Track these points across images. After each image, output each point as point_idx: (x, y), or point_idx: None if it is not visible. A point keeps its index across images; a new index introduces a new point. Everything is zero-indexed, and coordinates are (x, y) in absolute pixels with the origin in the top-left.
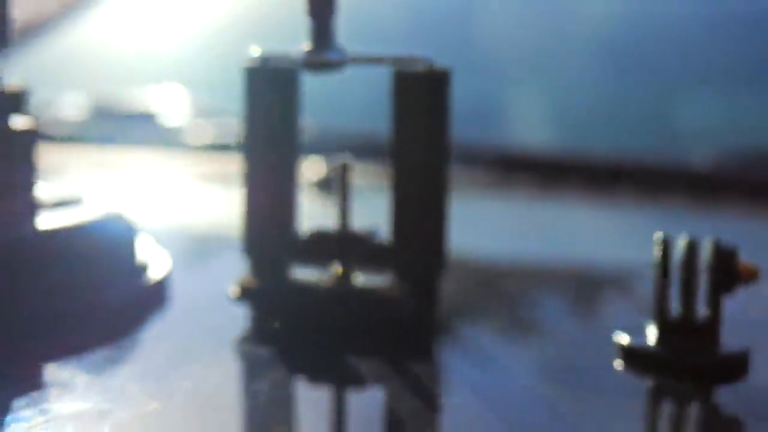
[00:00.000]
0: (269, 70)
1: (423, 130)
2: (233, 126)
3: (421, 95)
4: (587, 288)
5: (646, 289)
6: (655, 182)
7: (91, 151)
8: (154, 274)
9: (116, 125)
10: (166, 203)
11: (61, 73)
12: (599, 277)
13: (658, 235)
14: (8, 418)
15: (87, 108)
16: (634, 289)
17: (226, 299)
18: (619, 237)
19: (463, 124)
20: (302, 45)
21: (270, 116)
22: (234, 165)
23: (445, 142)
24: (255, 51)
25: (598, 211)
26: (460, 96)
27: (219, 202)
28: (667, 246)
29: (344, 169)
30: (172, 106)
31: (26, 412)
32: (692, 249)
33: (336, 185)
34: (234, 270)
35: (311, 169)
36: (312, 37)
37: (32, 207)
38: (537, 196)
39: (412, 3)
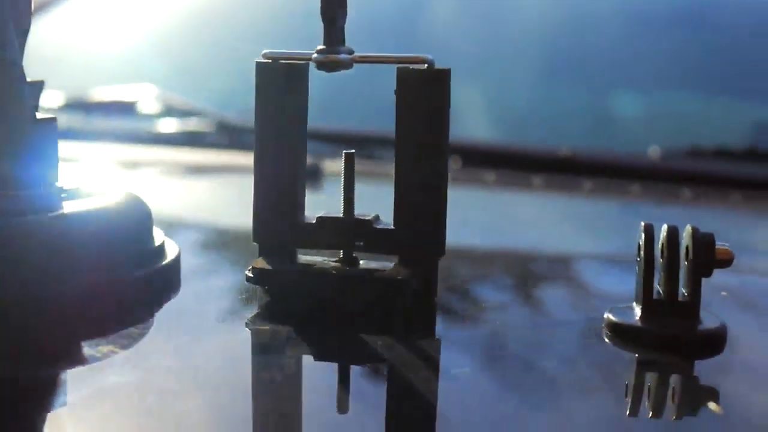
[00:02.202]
0: (281, 67)
1: (424, 124)
2: (203, 122)
3: (422, 92)
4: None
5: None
6: (608, 175)
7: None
8: (169, 253)
9: (87, 121)
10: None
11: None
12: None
13: (642, 224)
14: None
15: (59, 104)
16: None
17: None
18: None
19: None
20: (317, 46)
21: (280, 111)
22: (203, 157)
23: (445, 136)
24: (267, 50)
25: (556, 201)
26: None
27: (194, 191)
28: (649, 233)
29: (349, 160)
30: (143, 103)
31: (69, 386)
32: (672, 235)
33: (342, 174)
34: (226, 254)
35: None
36: (325, 39)
37: (59, 192)
38: (497, 188)
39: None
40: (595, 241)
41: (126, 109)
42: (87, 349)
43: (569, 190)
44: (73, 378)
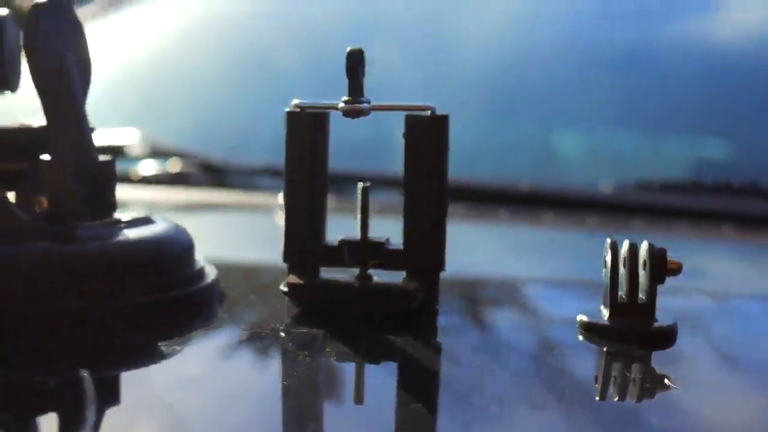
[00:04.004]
0: (308, 115)
1: (429, 162)
2: (185, 163)
3: (427, 134)
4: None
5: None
6: (567, 207)
7: None
8: (210, 274)
9: None
10: None
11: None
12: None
13: (608, 240)
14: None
15: None
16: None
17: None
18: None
19: (367, 157)
20: (342, 97)
21: (307, 152)
22: (188, 196)
23: (445, 171)
24: (296, 101)
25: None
26: (358, 132)
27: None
28: (614, 248)
29: (365, 192)
30: (129, 146)
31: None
32: (633, 250)
33: (358, 203)
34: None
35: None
36: (349, 91)
37: (118, 222)
38: (465, 220)
39: (295, 35)
40: (562, 264)
41: (112, 152)
42: (155, 349)
43: (532, 221)
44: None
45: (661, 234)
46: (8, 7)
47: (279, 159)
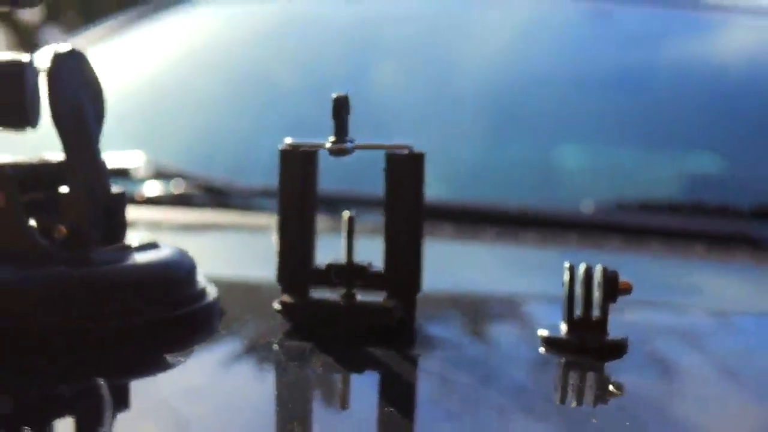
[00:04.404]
0: (299, 152)
1: (406, 194)
2: (188, 184)
3: (405, 170)
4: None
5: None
6: (550, 227)
7: None
8: (211, 293)
9: None
10: None
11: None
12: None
13: (566, 264)
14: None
15: None
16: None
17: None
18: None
19: (363, 177)
20: (328, 137)
21: (298, 185)
22: (189, 216)
23: (421, 203)
24: (288, 139)
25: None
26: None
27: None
28: (572, 271)
29: (350, 221)
30: (134, 168)
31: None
32: (588, 272)
33: (343, 231)
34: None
35: None
36: (335, 132)
37: (128, 248)
38: (451, 240)
39: (300, 60)
40: (537, 282)
41: (118, 174)
42: (162, 361)
43: (516, 240)
44: (153, 381)
45: (637, 252)
46: (9, 22)
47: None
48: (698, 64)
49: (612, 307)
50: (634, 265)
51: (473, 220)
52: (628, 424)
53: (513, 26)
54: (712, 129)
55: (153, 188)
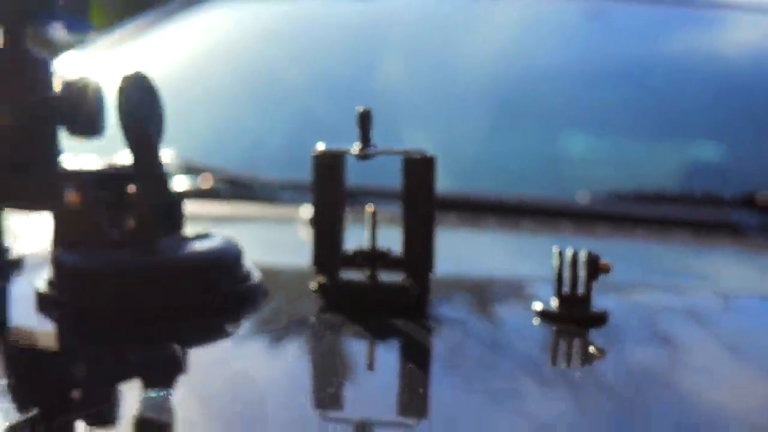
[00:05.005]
0: (330, 156)
1: (420, 192)
2: (215, 178)
3: (419, 172)
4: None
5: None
6: (547, 216)
7: None
8: (256, 275)
9: None
10: None
11: None
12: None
13: (555, 248)
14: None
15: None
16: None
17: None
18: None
19: (372, 170)
20: (354, 143)
21: (329, 183)
22: (217, 209)
23: (433, 198)
24: (320, 145)
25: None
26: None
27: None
28: (561, 254)
29: (373, 215)
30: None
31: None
32: (575, 255)
33: (367, 222)
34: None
35: (306, 211)
36: (360, 139)
37: (185, 238)
38: (458, 228)
39: (307, 55)
40: (536, 264)
41: None
42: (220, 332)
43: (515, 228)
44: (214, 348)
45: (627, 239)
46: (40, 42)
47: (292, 172)
48: (694, 58)
49: (601, 283)
50: (624, 251)
51: (476, 209)
52: (610, 378)
53: (513, 21)
54: (705, 122)
55: (182, 183)
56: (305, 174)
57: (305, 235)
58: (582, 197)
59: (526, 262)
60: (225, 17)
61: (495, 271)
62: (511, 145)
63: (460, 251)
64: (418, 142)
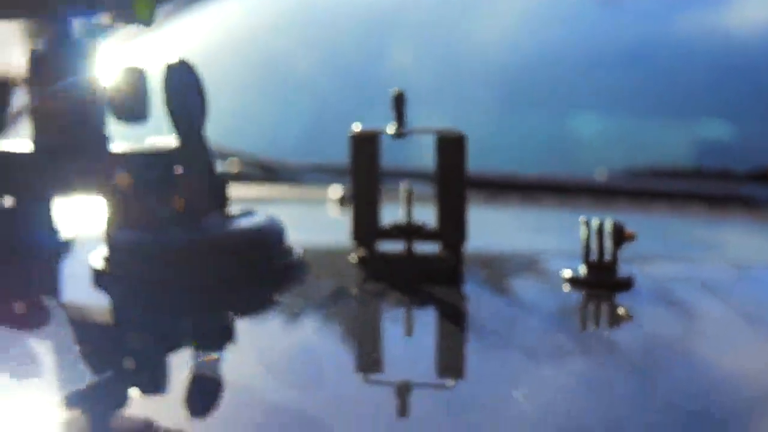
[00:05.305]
0: (366, 136)
1: (452, 168)
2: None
3: (451, 149)
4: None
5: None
6: (567, 192)
7: None
8: (298, 250)
9: None
10: None
11: None
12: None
13: (582, 218)
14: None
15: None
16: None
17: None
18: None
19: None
20: (389, 124)
21: (366, 163)
22: (246, 191)
23: (464, 174)
24: (356, 126)
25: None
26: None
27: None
28: (588, 224)
29: (408, 192)
30: None
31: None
32: (601, 225)
33: (402, 198)
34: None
35: (334, 192)
36: (395, 119)
37: (231, 215)
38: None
39: (317, 41)
40: (558, 238)
41: None
42: (269, 301)
43: (538, 204)
44: (266, 314)
45: (644, 213)
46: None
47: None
48: (705, 36)
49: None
50: (642, 224)
51: (498, 187)
52: (635, 338)
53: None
54: (718, 100)
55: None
56: (320, 157)
57: (335, 214)
58: (600, 174)
59: (549, 236)
60: (243, 5)
61: (520, 244)
62: (530, 125)
63: (486, 227)
64: (435, 123)
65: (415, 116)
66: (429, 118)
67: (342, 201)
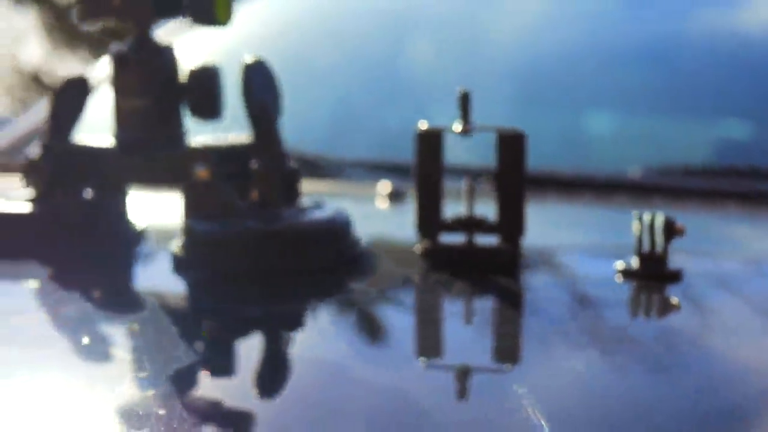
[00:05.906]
0: (432, 133)
1: (512, 164)
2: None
3: (511, 146)
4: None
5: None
6: (600, 189)
7: None
8: (362, 242)
9: None
10: None
11: None
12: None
13: (635, 213)
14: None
15: None
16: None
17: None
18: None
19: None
20: (455, 122)
21: (431, 158)
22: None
23: (524, 169)
24: (423, 123)
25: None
26: (394, 123)
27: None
28: (640, 219)
29: (471, 187)
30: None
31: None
32: (653, 218)
33: (465, 193)
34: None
35: (384, 186)
36: (461, 117)
37: (303, 208)
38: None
39: (338, 38)
40: (599, 235)
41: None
42: (343, 287)
43: (575, 201)
44: (340, 298)
45: (677, 210)
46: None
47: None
48: (724, 35)
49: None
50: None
51: (535, 184)
52: (686, 324)
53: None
54: (736, 99)
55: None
56: (343, 152)
57: (386, 208)
58: (633, 172)
59: (591, 231)
60: (273, 4)
61: (566, 238)
62: (546, 123)
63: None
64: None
65: (434, 112)
66: (449, 114)
67: (391, 196)
